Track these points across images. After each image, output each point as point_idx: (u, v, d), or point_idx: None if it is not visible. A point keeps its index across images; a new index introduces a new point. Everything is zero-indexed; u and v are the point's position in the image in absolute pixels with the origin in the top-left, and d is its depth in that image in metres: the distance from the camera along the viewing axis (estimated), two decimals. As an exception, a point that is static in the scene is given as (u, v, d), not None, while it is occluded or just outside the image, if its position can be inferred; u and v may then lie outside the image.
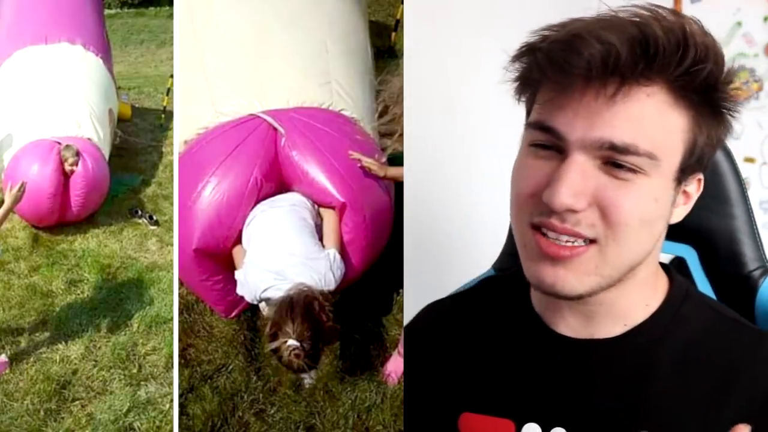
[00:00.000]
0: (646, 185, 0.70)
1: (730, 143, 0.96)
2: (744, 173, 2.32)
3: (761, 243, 0.98)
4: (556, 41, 0.70)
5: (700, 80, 0.68)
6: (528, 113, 0.79)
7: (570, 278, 0.72)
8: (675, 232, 0.78)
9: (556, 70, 0.69)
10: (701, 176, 0.77)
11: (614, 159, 0.69)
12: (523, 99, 0.80)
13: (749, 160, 2.29)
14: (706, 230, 0.94)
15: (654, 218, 0.72)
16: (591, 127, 0.68)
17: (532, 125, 0.74)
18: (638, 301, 0.79)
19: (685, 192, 0.76)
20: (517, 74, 0.77)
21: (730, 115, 0.73)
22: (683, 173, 0.73)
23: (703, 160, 0.74)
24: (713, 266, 0.98)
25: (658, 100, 0.69)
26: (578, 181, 0.69)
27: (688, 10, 2.28)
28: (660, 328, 0.79)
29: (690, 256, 0.98)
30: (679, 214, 0.77)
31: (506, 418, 0.81)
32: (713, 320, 0.80)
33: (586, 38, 0.67)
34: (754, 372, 0.74)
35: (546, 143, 0.72)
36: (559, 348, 0.81)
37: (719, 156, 0.97)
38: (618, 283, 0.75)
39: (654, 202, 0.71)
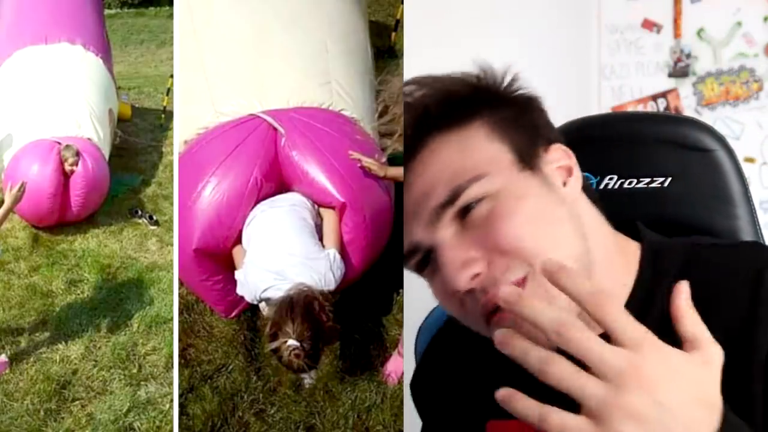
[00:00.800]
0: (502, 199, 0.68)
1: (730, 143, 0.96)
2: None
3: (764, 243, 0.97)
4: None
5: (466, 113, 0.72)
6: None
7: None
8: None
9: None
10: (560, 145, 0.75)
11: (460, 208, 0.68)
12: None
13: (749, 160, 2.29)
14: (708, 230, 0.94)
15: (534, 213, 0.69)
16: (419, 213, 0.71)
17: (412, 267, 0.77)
18: (616, 281, 0.75)
19: (559, 168, 0.74)
20: None
21: (530, 110, 0.75)
22: (526, 159, 0.71)
23: (539, 136, 0.74)
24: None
25: (449, 141, 0.71)
26: (456, 254, 0.68)
27: (688, 9, 2.28)
28: (644, 292, 0.74)
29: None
30: (573, 187, 0.74)
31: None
32: (687, 253, 0.76)
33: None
34: (731, 283, 0.70)
35: (423, 261, 0.73)
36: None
37: (722, 156, 0.97)
38: (590, 265, 0.71)
39: (518, 201, 0.68)
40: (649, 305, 0.73)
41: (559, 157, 0.74)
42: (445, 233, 0.69)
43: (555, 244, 0.68)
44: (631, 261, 0.77)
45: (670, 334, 0.70)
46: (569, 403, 0.78)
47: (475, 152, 0.70)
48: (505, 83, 0.76)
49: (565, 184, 0.73)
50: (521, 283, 0.67)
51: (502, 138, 0.72)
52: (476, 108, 0.72)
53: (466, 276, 0.67)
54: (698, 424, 0.51)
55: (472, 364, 0.88)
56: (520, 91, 0.76)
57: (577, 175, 0.75)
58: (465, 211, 0.68)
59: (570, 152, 0.75)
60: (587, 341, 0.51)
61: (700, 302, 0.66)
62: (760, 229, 0.97)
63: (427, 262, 0.73)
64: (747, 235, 0.94)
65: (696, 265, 0.74)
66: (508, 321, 0.65)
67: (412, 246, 0.73)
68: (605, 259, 0.74)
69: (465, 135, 0.72)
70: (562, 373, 0.52)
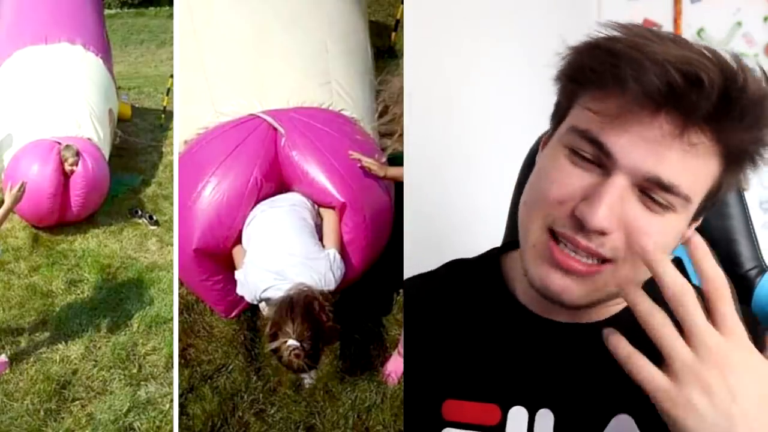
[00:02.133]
0: (674, 222, 0.70)
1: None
2: (744, 173, 2.32)
3: (757, 242, 0.98)
4: (647, 57, 0.65)
5: (749, 142, 0.68)
6: (564, 104, 0.76)
7: (577, 291, 0.73)
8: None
9: (637, 89, 0.65)
10: (701, 218, 0.76)
11: (652, 192, 0.69)
12: (561, 87, 0.76)
13: (749, 160, 2.29)
14: (702, 230, 0.94)
15: (669, 249, 0.73)
16: (645, 158, 0.67)
17: (579, 133, 0.71)
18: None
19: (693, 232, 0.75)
20: (573, 64, 0.72)
21: (758, 166, 0.72)
22: (699, 214, 0.74)
23: (717, 203, 0.75)
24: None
25: (705, 146, 0.68)
26: (616, 204, 0.68)
27: (688, 9, 2.28)
28: None
29: (686, 255, 0.98)
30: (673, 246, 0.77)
31: (491, 402, 0.81)
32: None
33: (687, 69, 0.63)
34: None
35: (588, 155, 0.70)
36: (543, 331, 0.81)
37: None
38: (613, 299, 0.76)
39: (675, 236, 0.72)
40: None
41: (695, 223, 0.76)
42: (630, 182, 0.68)
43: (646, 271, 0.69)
44: None
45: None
46: (542, 388, 0.77)
47: (703, 178, 0.70)
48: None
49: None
50: (601, 264, 0.71)
51: (719, 181, 0.71)
52: (752, 118, 0.66)
53: (605, 225, 0.68)
54: (755, 416, 0.57)
55: (432, 337, 0.88)
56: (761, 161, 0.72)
57: (679, 241, 0.75)
58: (648, 196, 0.69)
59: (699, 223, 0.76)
60: (694, 314, 0.59)
61: None
62: (753, 228, 0.97)
63: (582, 156, 0.71)
64: (740, 235, 0.94)
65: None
66: (559, 254, 0.71)
67: (604, 142, 0.69)
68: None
69: (716, 156, 0.69)
70: (662, 327, 0.60)
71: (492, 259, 0.90)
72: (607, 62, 0.67)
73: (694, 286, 0.83)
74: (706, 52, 0.66)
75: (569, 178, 0.71)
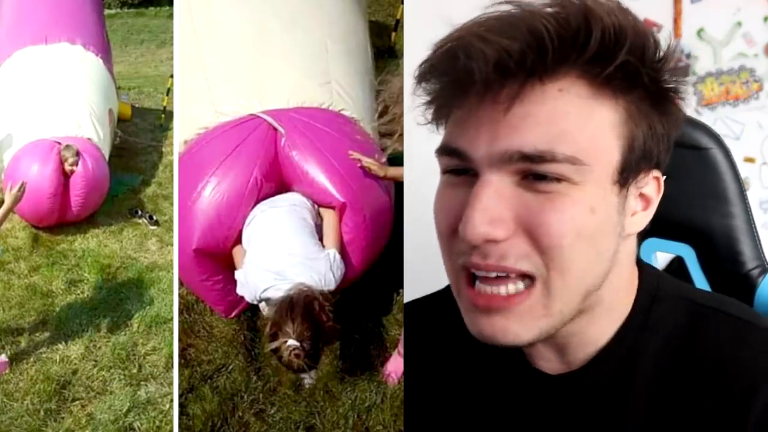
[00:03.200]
0: (576, 195, 0.59)
1: (730, 143, 0.96)
2: (744, 173, 2.32)
3: (759, 242, 0.98)
4: (442, 52, 0.61)
5: (618, 65, 0.58)
6: None
7: (512, 327, 0.62)
8: (674, 231, 0.78)
9: (447, 83, 0.61)
10: (658, 173, 0.66)
11: (532, 170, 0.59)
12: (441, 127, 0.69)
13: (749, 160, 2.29)
14: (704, 229, 0.94)
15: (594, 233, 0.60)
16: (494, 139, 0.59)
17: (439, 151, 0.65)
18: (609, 325, 0.69)
19: (642, 195, 0.65)
20: (423, 99, 0.67)
21: (675, 97, 0.62)
22: (625, 174, 0.61)
23: (652, 154, 0.63)
24: (712, 265, 0.98)
25: (573, 95, 0.59)
26: (492, 204, 0.59)
27: (688, 10, 2.28)
28: (628, 342, 0.69)
29: (689, 255, 0.98)
30: (639, 222, 0.66)
31: None
32: (687, 316, 0.69)
33: (469, 41, 0.58)
34: (730, 370, 0.65)
35: (456, 168, 0.63)
36: (535, 385, 0.73)
37: (718, 155, 0.97)
38: (580, 314, 0.65)
39: (590, 213, 0.60)
40: (633, 366, 0.69)
41: (648, 185, 0.65)
42: (501, 175, 0.60)
43: (583, 267, 0.61)
44: (619, 297, 0.70)
45: (657, 391, 0.67)
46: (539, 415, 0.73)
47: (597, 132, 0.60)
48: (669, 59, 0.61)
49: (634, 214, 0.65)
50: (526, 288, 0.61)
51: (627, 131, 0.61)
52: (619, 65, 0.58)
53: (485, 231, 0.58)
54: None
55: (435, 367, 0.82)
56: (675, 78, 0.62)
57: (651, 211, 0.66)
58: (534, 175, 0.59)
59: (661, 185, 0.66)
60: None
61: (692, 386, 0.66)
62: (755, 228, 0.97)
63: (458, 171, 0.63)
64: (743, 234, 0.94)
65: (697, 334, 0.68)
66: (473, 295, 0.62)
67: (455, 146, 0.63)
68: (612, 299, 0.68)
69: (600, 100, 0.60)
70: None
71: None
72: (424, 80, 0.64)
73: (671, 284, 0.75)
74: (512, 13, 0.60)
75: (449, 202, 0.64)
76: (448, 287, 0.80)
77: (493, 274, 0.61)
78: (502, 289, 0.61)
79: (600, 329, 0.69)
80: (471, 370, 0.78)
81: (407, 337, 0.89)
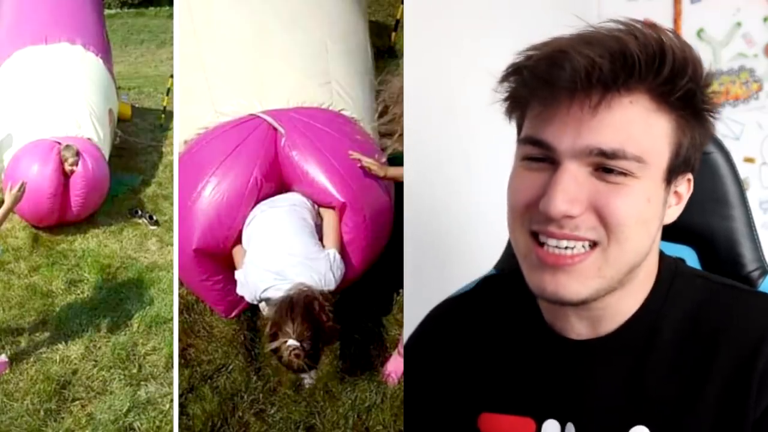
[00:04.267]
0: (637, 187, 0.73)
1: (730, 143, 0.97)
2: (744, 173, 2.32)
3: (760, 244, 0.98)
4: (540, 59, 0.73)
5: (679, 88, 0.71)
6: (519, 130, 0.82)
7: (572, 284, 0.75)
8: (675, 234, 0.79)
9: (542, 85, 0.73)
10: (690, 176, 0.80)
11: (604, 164, 0.72)
12: (514, 118, 0.83)
13: (749, 160, 2.29)
14: (705, 231, 0.95)
15: (648, 218, 0.75)
16: (578, 136, 0.72)
17: (523, 140, 0.78)
18: (636, 300, 0.81)
19: (676, 192, 0.79)
20: (506, 94, 0.80)
21: (711, 116, 0.76)
22: (672, 174, 0.76)
23: (690, 161, 0.77)
24: (713, 267, 0.99)
25: (641, 107, 0.72)
26: (572, 187, 0.72)
27: (688, 10, 2.28)
28: (652, 314, 0.81)
29: (690, 257, 0.99)
30: (672, 214, 0.80)
31: (526, 416, 0.84)
32: (702, 291, 0.82)
33: (569, 53, 0.70)
34: (736, 332, 0.76)
35: (538, 156, 0.75)
36: (564, 351, 0.84)
37: (718, 158, 0.98)
38: (619, 286, 0.77)
39: (647, 202, 0.74)
40: (655, 332, 0.80)
41: (682, 185, 0.79)
42: (579, 165, 0.72)
43: (635, 244, 0.75)
44: (650, 275, 0.82)
45: (676, 360, 0.77)
46: (566, 403, 0.80)
47: (656, 138, 0.73)
48: (710, 86, 0.76)
49: (669, 207, 0.79)
50: (587, 250, 0.73)
51: (676, 140, 0.75)
52: (682, 88, 0.72)
53: (566, 209, 0.71)
54: None
55: (468, 355, 0.92)
56: (711, 95, 0.76)
57: (682, 206, 0.81)
58: (605, 168, 0.72)
59: (691, 186, 0.80)
60: None
61: (705, 347, 0.76)
62: (755, 230, 0.98)
63: (537, 159, 0.76)
64: (743, 236, 0.94)
65: (709, 305, 0.80)
66: (543, 254, 0.74)
67: (541, 138, 0.75)
68: (642, 277, 0.80)
69: (660, 112, 0.73)
70: None
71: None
72: (520, 78, 0.76)
73: (687, 267, 0.87)
74: (599, 32, 0.73)
75: (527, 182, 0.76)
76: (464, 294, 1.00)
77: (564, 243, 0.74)
78: (568, 251, 0.74)
79: (628, 303, 0.81)
80: (506, 343, 0.89)
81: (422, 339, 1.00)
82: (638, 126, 0.72)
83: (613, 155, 0.71)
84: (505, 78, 0.78)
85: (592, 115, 0.71)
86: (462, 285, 1.07)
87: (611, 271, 0.75)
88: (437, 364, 0.95)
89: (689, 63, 0.72)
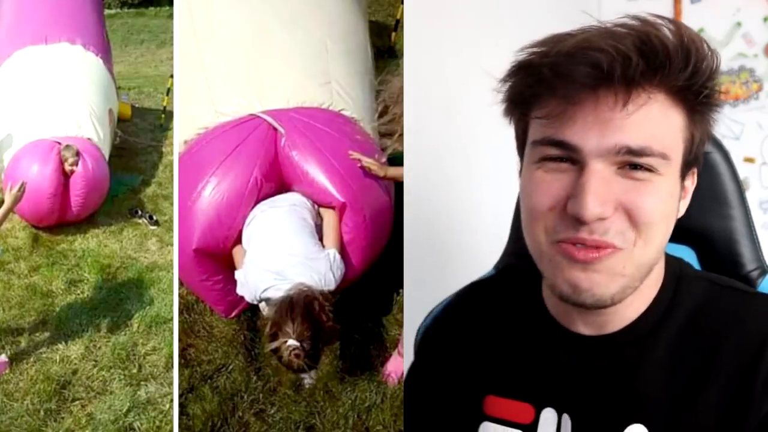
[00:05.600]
0: (661, 183, 0.72)
1: (730, 143, 0.97)
2: (744, 173, 2.32)
3: (759, 244, 0.98)
4: (561, 54, 0.70)
5: (699, 84, 0.71)
6: (520, 132, 0.80)
7: (603, 281, 0.74)
8: (674, 233, 0.79)
9: (566, 82, 0.70)
10: (695, 170, 0.80)
11: (631, 162, 0.71)
12: (514, 118, 0.81)
13: (749, 160, 2.29)
14: (704, 231, 0.95)
15: (670, 213, 0.75)
16: (604, 134, 0.70)
17: (541, 142, 0.75)
18: (644, 302, 0.81)
19: (683, 186, 0.78)
20: (509, 93, 0.78)
21: (717, 110, 0.76)
22: (686, 169, 0.76)
23: (699, 154, 0.78)
24: (712, 267, 0.99)
25: (660, 103, 0.71)
26: (602, 189, 0.70)
27: (688, 10, 2.28)
28: (656, 316, 0.81)
29: (689, 257, 0.99)
30: (682, 208, 0.79)
31: (527, 402, 0.86)
32: (705, 293, 0.81)
33: (593, 49, 0.68)
34: (739, 335, 0.76)
35: (559, 157, 0.74)
36: (567, 343, 0.84)
37: (717, 157, 0.98)
38: (636, 288, 0.76)
39: (670, 198, 0.74)
40: (657, 334, 0.80)
41: (689, 178, 0.79)
42: (605, 164, 0.71)
43: (660, 240, 0.75)
44: (657, 277, 0.82)
45: (677, 361, 0.77)
46: (566, 395, 0.80)
47: (674, 134, 0.73)
48: (714, 76, 0.74)
49: (679, 201, 0.79)
50: (611, 249, 0.72)
51: (689, 134, 0.74)
52: (701, 86, 0.72)
53: (600, 211, 0.70)
54: None
55: (477, 343, 0.93)
56: (717, 90, 0.75)
57: (689, 199, 0.81)
58: (629, 169, 0.71)
59: (695, 179, 0.81)
60: None
61: (707, 350, 0.75)
62: (754, 229, 0.98)
63: (559, 159, 0.74)
64: (742, 236, 0.94)
65: (712, 307, 0.80)
66: (574, 251, 0.72)
67: (561, 139, 0.73)
68: (652, 279, 0.79)
69: (676, 108, 0.73)
70: None
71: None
72: (533, 75, 0.73)
73: (691, 268, 0.87)
74: (618, 27, 0.71)
75: (548, 185, 0.74)
76: (465, 294, 1.01)
77: (595, 238, 0.72)
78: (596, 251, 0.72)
79: (636, 307, 0.80)
80: (514, 333, 0.90)
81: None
82: (660, 122, 0.71)
83: (640, 153, 0.70)
84: (510, 76, 0.76)
85: (618, 113, 0.70)
86: (462, 285, 1.07)
87: (633, 269, 0.74)
88: (449, 349, 0.96)
89: (709, 59, 0.71)
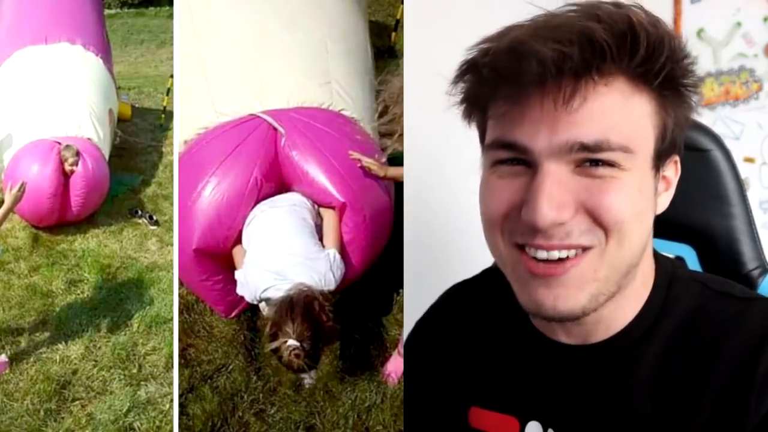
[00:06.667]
0: (627, 178, 0.66)
1: (730, 143, 0.97)
2: (744, 173, 2.32)
3: (760, 242, 0.98)
4: (499, 52, 0.66)
5: (658, 67, 0.65)
6: (482, 134, 0.76)
7: (571, 294, 0.69)
8: (675, 232, 0.79)
9: (507, 81, 0.66)
10: (677, 158, 0.74)
11: (589, 158, 0.66)
12: (474, 121, 0.76)
13: (749, 160, 2.29)
14: (705, 230, 0.94)
15: (642, 210, 0.69)
16: (555, 132, 0.65)
17: (491, 145, 0.71)
18: (632, 309, 0.76)
19: (664, 177, 0.73)
20: (462, 95, 0.73)
21: (693, 91, 0.70)
22: (659, 159, 0.70)
23: (676, 142, 0.71)
24: (712, 266, 0.98)
25: (618, 92, 0.66)
26: (556, 191, 0.65)
27: (688, 10, 2.28)
28: (646, 324, 0.76)
29: (689, 255, 0.98)
30: (663, 203, 0.74)
31: (511, 415, 0.82)
32: (698, 298, 0.76)
33: (532, 44, 0.63)
34: (732, 345, 0.71)
35: (510, 159, 0.69)
36: (551, 354, 0.80)
37: (718, 156, 0.98)
38: (617, 291, 0.71)
39: (638, 193, 0.68)
40: (646, 343, 0.75)
41: (669, 168, 0.74)
42: (560, 164, 0.66)
43: (635, 240, 0.69)
44: (647, 280, 0.77)
45: (667, 371, 0.73)
46: (552, 407, 0.79)
47: (638, 122, 0.67)
48: (688, 58, 0.68)
49: (659, 195, 0.73)
50: (579, 254, 0.67)
51: (660, 121, 0.69)
52: (661, 67, 0.65)
53: (554, 216, 0.65)
54: None
55: (460, 350, 0.90)
56: (693, 75, 0.69)
57: (672, 192, 0.75)
58: (590, 162, 0.66)
59: (678, 168, 0.75)
60: None
61: (699, 360, 0.71)
62: (755, 228, 0.98)
63: (512, 161, 0.69)
64: (743, 235, 0.94)
65: (705, 315, 0.74)
66: (533, 266, 0.68)
67: (512, 140, 0.68)
68: (638, 282, 0.75)
69: (639, 94, 0.67)
70: None
71: None
72: (476, 75, 0.69)
73: (686, 270, 0.83)
74: (582, 8, 0.66)
75: (501, 191, 0.70)
76: (449, 295, 0.98)
77: (555, 254, 0.67)
78: (555, 254, 0.67)
79: (623, 314, 0.75)
80: (496, 343, 0.86)
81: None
82: (618, 112, 0.65)
83: (596, 147, 0.65)
84: (459, 77, 0.71)
85: (566, 107, 0.64)
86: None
87: (606, 271, 0.68)
88: (435, 357, 0.93)
89: (664, 39, 0.64)
